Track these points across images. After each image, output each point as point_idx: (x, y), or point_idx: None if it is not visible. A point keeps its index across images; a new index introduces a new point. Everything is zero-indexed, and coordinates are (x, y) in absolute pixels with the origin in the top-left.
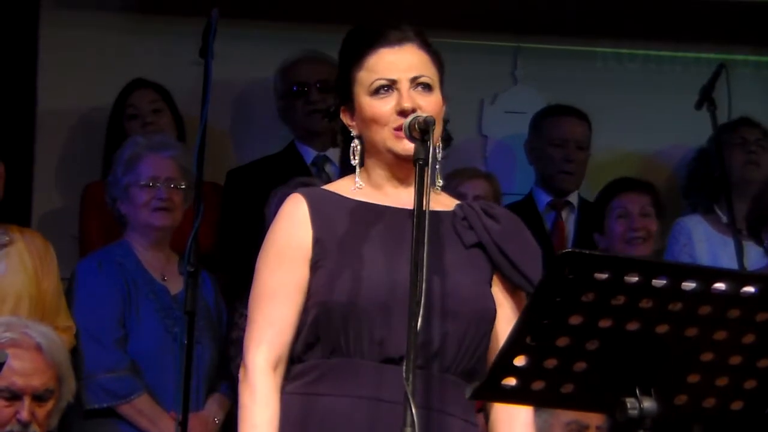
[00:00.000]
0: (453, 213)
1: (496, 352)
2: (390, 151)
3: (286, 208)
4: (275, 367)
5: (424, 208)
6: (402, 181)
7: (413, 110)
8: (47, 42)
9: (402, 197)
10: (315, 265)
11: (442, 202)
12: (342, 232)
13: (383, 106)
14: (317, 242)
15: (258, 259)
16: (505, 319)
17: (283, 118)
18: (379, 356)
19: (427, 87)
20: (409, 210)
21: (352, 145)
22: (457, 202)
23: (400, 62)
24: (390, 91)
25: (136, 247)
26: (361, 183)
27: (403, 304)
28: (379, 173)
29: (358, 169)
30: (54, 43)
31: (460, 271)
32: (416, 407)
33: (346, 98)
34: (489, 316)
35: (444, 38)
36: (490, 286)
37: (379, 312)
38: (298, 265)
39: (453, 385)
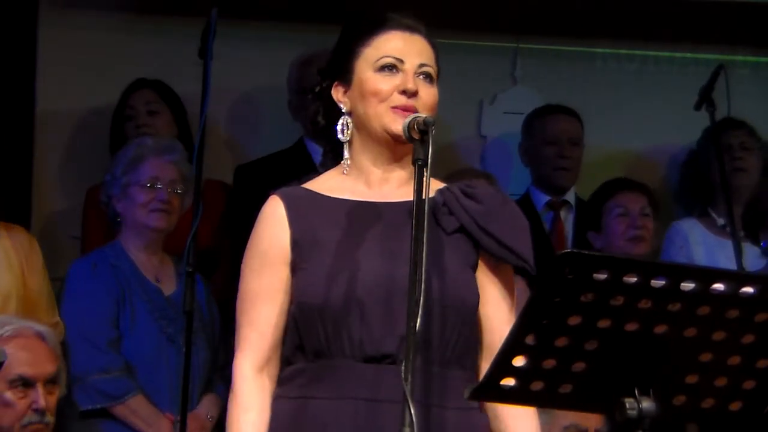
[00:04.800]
0: (433, 200)
1: (486, 334)
2: (384, 129)
3: (264, 211)
4: (261, 370)
5: (422, 210)
6: (390, 166)
7: (416, 93)
8: (46, 42)
9: (386, 189)
10: (295, 267)
11: None
12: (320, 231)
13: (387, 83)
14: (295, 244)
15: (242, 263)
16: (493, 300)
17: (293, 112)
18: (360, 355)
19: (430, 78)
20: (391, 203)
21: (341, 121)
22: (440, 186)
23: (409, 46)
24: (395, 71)
25: (129, 248)
26: (348, 163)
27: (379, 300)
28: (365, 156)
29: (346, 147)
30: (53, 44)
31: (441, 260)
32: (399, 403)
33: (342, 73)
34: (469, 303)
35: (444, 38)
36: (474, 271)
37: (355, 310)
38: (279, 266)
39: (439, 376)
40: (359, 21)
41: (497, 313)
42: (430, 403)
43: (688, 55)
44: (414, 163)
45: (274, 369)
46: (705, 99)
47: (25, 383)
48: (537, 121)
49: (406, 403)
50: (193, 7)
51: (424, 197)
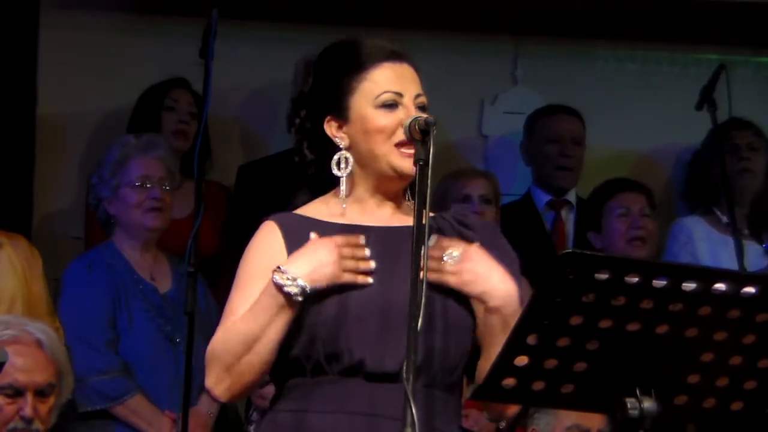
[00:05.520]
0: (428, 225)
1: (479, 357)
2: (392, 167)
3: (259, 235)
4: None
5: (424, 210)
6: (386, 197)
7: None
8: (47, 43)
9: (379, 215)
10: None
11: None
12: None
13: (389, 119)
14: None
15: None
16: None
17: None
18: (359, 373)
19: (423, 108)
20: (386, 227)
21: (339, 156)
22: (431, 215)
23: (404, 77)
24: (395, 105)
25: (123, 247)
26: (344, 198)
27: (379, 320)
28: (364, 187)
29: (344, 181)
30: (54, 45)
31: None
32: (398, 420)
33: (336, 109)
34: (468, 325)
35: (444, 39)
36: (469, 296)
37: (355, 330)
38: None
39: (437, 399)
40: (344, 52)
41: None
42: (432, 426)
43: (689, 54)
44: (415, 163)
45: None
46: (706, 99)
47: (16, 391)
48: (540, 120)
49: (408, 402)
50: (194, 8)
51: (427, 198)
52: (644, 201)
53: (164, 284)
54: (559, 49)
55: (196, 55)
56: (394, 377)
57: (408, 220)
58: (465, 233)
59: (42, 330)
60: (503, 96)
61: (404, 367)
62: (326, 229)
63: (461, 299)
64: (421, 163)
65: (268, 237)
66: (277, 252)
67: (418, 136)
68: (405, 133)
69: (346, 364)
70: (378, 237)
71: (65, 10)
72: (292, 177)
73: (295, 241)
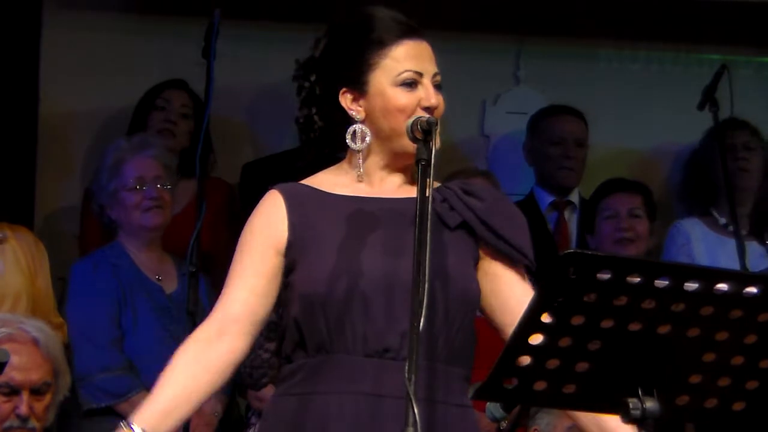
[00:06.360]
0: (432, 197)
1: (507, 316)
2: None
3: (263, 203)
4: (218, 337)
5: (425, 210)
6: (396, 169)
7: (436, 108)
8: (50, 43)
9: (386, 187)
10: (293, 262)
11: None
12: (321, 226)
13: (410, 98)
14: (294, 237)
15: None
16: (508, 282)
17: None
18: (362, 350)
19: (439, 86)
20: (391, 199)
21: (355, 129)
22: (437, 185)
23: (424, 56)
24: (415, 84)
25: (129, 248)
26: (360, 170)
27: (382, 294)
28: (377, 159)
29: (361, 154)
30: (56, 44)
31: (444, 254)
32: (402, 399)
33: (353, 82)
34: (473, 296)
35: (446, 38)
36: (476, 264)
37: (358, 304)
38: (268, 250)
39: (439, 372)
40: (360, 25)
41: (515, 290)
42: (435, 400)
43: (692, 54)
44: (417, 163)
45: (232, 336)
46: (708, 99)
47: (12, 390)
48: (543, 121)
49: (410, 402)
50: (197, 8)
51: (426, 197)
52: (637, 201)
53: (170, 285)
54: (561, 49)
55: (198, 54)
56: (395, 353)
57: (415, 192)
58: (471, 202)
59: (38, 328)
60: (505, 96)
61: (407, 366)
62: (332, 200)
63: (465, 272)
64: (423, 163)
65: (271, 206)
66: (279, 222)
67: (420, 135)
68: (407, 133)
69: (350, 340)
70: (385, 209)
71: (68, 10)
72: (297, 175)
73: (299, 211)
